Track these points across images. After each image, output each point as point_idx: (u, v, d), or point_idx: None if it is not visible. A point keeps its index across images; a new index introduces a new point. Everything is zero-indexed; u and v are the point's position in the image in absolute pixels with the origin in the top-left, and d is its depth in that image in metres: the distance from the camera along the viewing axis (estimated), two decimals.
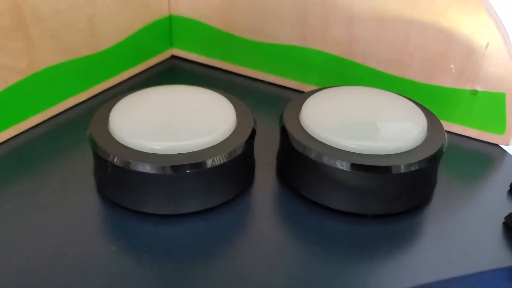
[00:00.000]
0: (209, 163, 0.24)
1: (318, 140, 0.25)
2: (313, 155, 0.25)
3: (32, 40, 0.30)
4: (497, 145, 0.31)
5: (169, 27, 0.40)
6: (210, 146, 0.25)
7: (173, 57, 0.41)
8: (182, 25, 0.39)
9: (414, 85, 0.32)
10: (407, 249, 0.24)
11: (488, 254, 0.24)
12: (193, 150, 0.24)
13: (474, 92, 0.30)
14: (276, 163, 0.29)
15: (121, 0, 0.35)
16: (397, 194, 0.25)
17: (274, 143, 0.28)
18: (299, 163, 0.26)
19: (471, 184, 0.28)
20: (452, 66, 0.30)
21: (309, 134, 0.26)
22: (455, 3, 0.29)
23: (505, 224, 0.25)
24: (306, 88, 0.36)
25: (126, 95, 0.28)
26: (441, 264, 0.23)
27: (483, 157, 0.31)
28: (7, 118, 0.30)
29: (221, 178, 0.25)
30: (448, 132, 0.32)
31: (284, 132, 0.27)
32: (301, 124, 0.26)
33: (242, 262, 0.23)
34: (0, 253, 0.23)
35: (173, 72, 0.40)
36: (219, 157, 0.24)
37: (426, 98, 0.32)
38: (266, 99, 0.36)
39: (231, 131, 0.26)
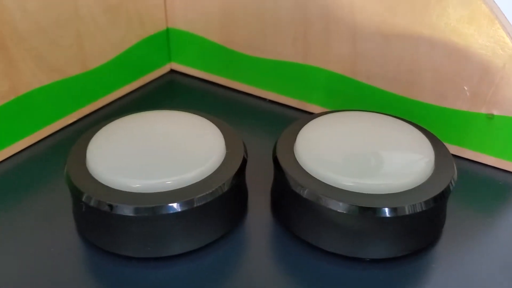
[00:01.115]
0: (194, 203, 0.22)
1: (312, 177, 0.23)
2: (306, 194, 0.22)
3: (13, 62, 0.28)
4: None
5: (167, 41, 0.38)
6: (195, 182, 0.23)
7: (172, 71, 0.39)
8: (181, 38, 0.37)
9: (424, 107, 0.29)
10: None
11: None
12: (176, 188, 0.22)
13: (490, 116, 0.28)
14: (270, 195, 0.27)
15: (111, 14, 0.33)
16: (399, 237, 0.23)
17: (272, 167, 0.26)
18: (292, 200, 0.24)
19: (484, 219, 0.26)
20: (465, 88, 0.28)
21: (303, 169, 0.23)
22: (468, 19, 0.26)
23: None
24: (308, 107, 0.34)
25: (106, 123, 0.26)
26: None
27: (499, 186, 0.28)
28: None
29: (207, 217, 0.23)
30: (461, 158, 0.29)
31: (277, 165, 0.24)
32: (295, 157, 0.24)
33: None
34: None
35: (171, 88, 0.38)
36: (204, 195, 0.22)
37: (437, 122, 0.29)
38: (267, 118, 0.34)
39: (219, 164, 0.24)
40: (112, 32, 0.33)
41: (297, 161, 0.24)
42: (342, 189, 0.22)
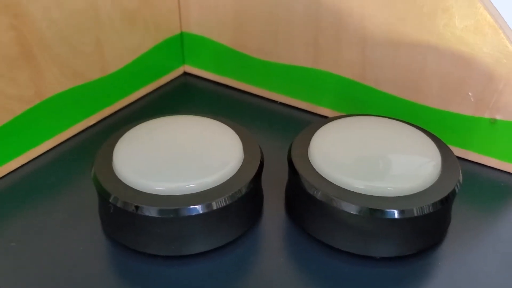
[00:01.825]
0: (214, 205, 0.23)
1: (325, 179, 0.24)
2: (319, 196, 0.24)
3: (39, 68, 0.30)
4: None
5: (181, 44, 0.39)
6: (215, 186, 0.24)
7: (186, 73, 0.40)
8: (194, 42, 0.39)
9: (430, 111, 0.31)
10: None
11: None
12: (198, 191, 0.24)
13: (493, 121, 0.29)
14: (284, 196, 0.28)
15: (129, 21, 0.34)
16: (407, 237, 0.24)
17: (285, 169, 0.27)
18: (306, 201, 0.25)
19: (488, 219, 0.27)
20: (470, 94, 0.29)
21: (316, 172, 0.25)
22: (473, 28, 0.27)
23: None
24: (319, 110, 0.35)
25: (129, 127, 0.27)
26: None
27: (502, 188, 0.29)
28: (15, 147, 0.30)
29: (226, 218, 0.24)
30: (465, 160, 0.31)
31: (291, 167, 0.26)
32: (309, 160, 0.26)
33: None
34: None
35: (185, 90, 0.39)
36: (224, 199, 0.24)
37: (443, 125, 0.30)
38: (278, 121, 0.35)
39: (237, 168, 0.25)
40: (129, 38, 0.35)
41: (311, 164, 0.25)
42: (354, 192, 0.24)
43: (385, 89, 0.32)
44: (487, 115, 0.29)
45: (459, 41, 0.28)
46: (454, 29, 0.28)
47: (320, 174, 0.25)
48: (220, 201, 0.23)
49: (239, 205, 0.24)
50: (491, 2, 0.27)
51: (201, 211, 0.23)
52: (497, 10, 0.27)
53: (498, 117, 0.29)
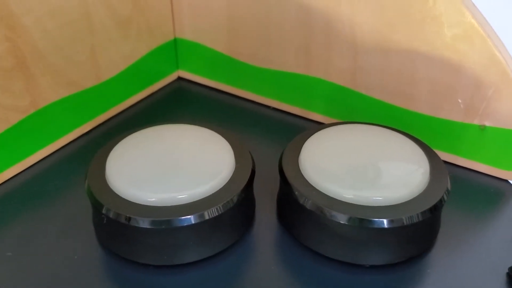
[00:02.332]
0: (206, 215, 0.24)
1: (316, 189, 0.25)
2: (309, 205, 0.24)
3: (33, 78, 0.30)
4: (506, 181, 0.30)
5: (174, 50, 0.39)
6: (207, 196, 0.24)
7: (180, 79, 0.41)
8: (188, 48, 0.39)
9: (420, 117, 0.31)
10: None
11: None
12: (189, 202, 0.24)
13: (482, 127, 0.29)
14: (276, 203, 0.28)
15: (123, 28, 0.34)
16: (397, 245, 0.24)
17: (277, 175, 0.27)
18: (297, 210, 0.25)
19: (477, 225, 0.28)
20: (460, 101, 0.29)
21: (307, 181, 0.25)
22: (462, 37, 0.28)
23: (508, 275, 0.24)
24: (310, 115, 0.35)
25: (122, 138, 0.27)
26: None
27: (491, 193, 0.30)
28: (10, 156, 0.30)
29: (219, 227, 0.25)
30: (455, 165, 0.31)
31: (282, 176, 0.26)
32: (299, 169, 0.26)
33: None
34: None
35: (180, 95, 0.39)
36: (216, 208, 0.24)
37: (433, 131, 0.31)
38: (271, 126, 0.36)
39: (229, 178, 0.25)
40: (123, 45, 0.35)
41: (301, 173, 0.26)
42: (343, 201, 0.24)
43: (376, 95, 0.32)
44: (476, 122, 0.29)
45: (448, 48, 0.28)
46: (444, 37, 0.28)
47: (310, 184, 0.25)
48: (212, 211, 0.24)
49: (231, 214, 0.25)
50: (479, 11, 0.27)
51: (193, 221, 0.24)
52: (485, 18, 0.27)
53: (487, 123, 0.29)
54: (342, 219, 0.24)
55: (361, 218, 0.23)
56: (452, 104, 0.30)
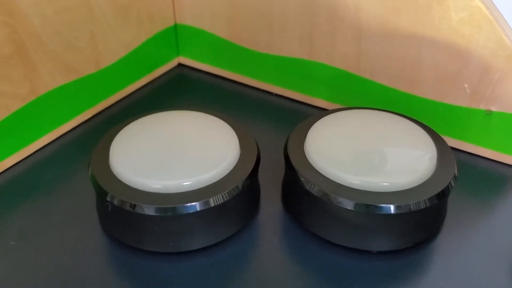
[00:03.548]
0: (210, 202, 0.23)
1: (322, 175, 0.25)
2: (315, 191, 0.24)
3: (32, 65, 0.29)
4: None
5: (175, 36, 0.39)
6: (212, 183, 0.24)
7: (180, 65, 0.40)
8: (188, 34, 0.38)
9: (425, 102, 0.31)
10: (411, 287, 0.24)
11: None
12: (194, 189, 0.24)
13: (489, 112, 0.29)
14: (281, 189, 0.28)
15: (122, 14, 0.34)
16: (404, 231, 0.24)
17: (281, 161, 0.27)
18: (303, 196, 0.25)
19: (482, 210, 0.27)
20: (466, 85, 0.29)
21: (313, 167, 0.25)
22: (468, 21, 0.27)
23: None
24: (314, 101, 0.35)
25: (125, 125, 0.27)
26: None
27: (497, 178, 0.29)
28: (11, 144, 0.30)
29: (223, 214, 0.24)
30: (461, 151, 0.31)
31: (288, 162, 0.26)
32: (305, 155, 0.26)
33: None
34: None
35: (180, 81, 0.39)
36: (221, 195, 0.24)
37: (438, 117, 0.30)
38: (274, 112, 0.35)
39: (234, 165, 0.25)
40: (123, 31, 0.34)
41: (307, 159, 0.25)
42: (350, 187, 0.24)
43: (380, 80, 0.32)
44: (482, 107, 0.29)
45: (454, 33, 0.28)
46: (450, 21, 0.28)
47: (316, 170, 0.25)
48: (217, 198, 0.24)
49: (237, 201, 0.24)
50: None
51: (198, 209, 0.23)
52: (492, 2, 0.27)
53: (493, 108, 0.29)
54: (349, 205, 0.23)
55: (368, 204, 0.23)
56: (458, 89, 0.29)
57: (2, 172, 0.30)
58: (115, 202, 0.23)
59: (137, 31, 0.36)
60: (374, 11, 0.30)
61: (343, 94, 0.33)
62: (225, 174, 0.25)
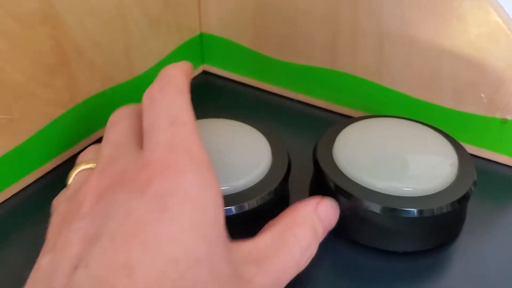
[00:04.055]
0: (244, 207, 0.25)
1: (349, 179, 0.26)
2: (344, 194, 0.26)
3: (73, 74, 0.31)
4: None
5: (200, 45, 0.41)
6: (246, 188, 0.26)
7: (204, 72, 0.42)
8: (213, 43, 0.40)
9: (443, 110, 0.32)
10: (433, 286, 0.25)
11: None
12: (229, 193, 0.25)
13: (504, 121, 0.31)
14: (309, 191, 0.30)
15: (154, 26, 0.36)
16: (427, 233, 0.26)
17: (306, 167, 0.29)
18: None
19: (500, 214, 0.29)
20: (483, 95, 0.31)
21: (341, 171, 0.27)
22: (487, 35, 0.29)
23: None
24: (337, 108, 0.37)
25: None
26: None
27: None
28: (51, 150, 0.32)
29: (255, 219, 0.26)
30: (478, 157, 0.32)
31: (317, 166, 0.27)
32: (333, 159, 0.27)
33: None
34: None
35: (204, 89, 0.41)
36: (253, 200, 0.25)
37: (456, 124, 0.32)
38: (297, 119, 0.37)
39: (268, 170, 0.27)
40: (154, 42, 0.36)
41: (335, 164, 0.27)
42: (377, 192, 0.25)
43: (401, 89, 0.33)
44: (498, 115, 0.31)
45: (472, 46, 0.30)
46: (468, 35, 0.29)
47: (344, 174, 0.26)
48: (250, 203, 0.25)
49: (268, 207, 0.26)
50: (504, 10, 0.29)
51: (233, 212, 0.25)
52: (509, 17, 0.29)
53: (508, 117, 0.30)
54: (376, 208, 0.25)
55: (393, 207, 0.25)
56: (475, 99, 0.31)
57: (43, 175, 0.32)
58: None
59: (166, 42, 0.37)
60: (395, 23, 0.31)
61: (365, 102, 0.35)
62: (258, 180, 0.26)
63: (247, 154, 0.27)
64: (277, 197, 0.26)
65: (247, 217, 0.25)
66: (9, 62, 0.27)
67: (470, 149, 0.32)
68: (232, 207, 0.25)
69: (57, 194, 0.30)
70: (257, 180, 0.26)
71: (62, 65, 0.30)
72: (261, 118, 0.37)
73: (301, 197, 0.29)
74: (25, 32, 0.28)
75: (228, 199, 0.25)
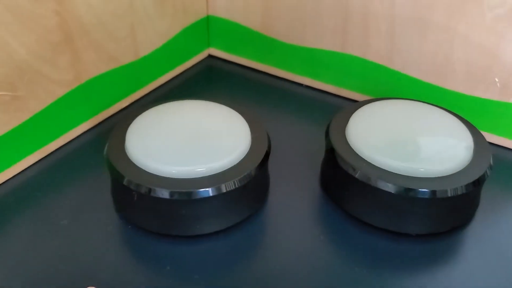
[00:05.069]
0: (222, 188, 0.24)
1: (363, 159, 0.26)
2: (358, 175, 0.25)
3: (77, 53, 0.30)
4: None
5: (206, 28, 0.40)
6: (224, 170, 0.25)
7: (210, 56, 0.41)
8: (220, 26, 0.39)
9: (456, 96, 0.32)
10: (447, 269, 0.25)
11: None
12: (207, 175, 0.25)
13: None
14: (320, 171, 0.29)
15: (160, 6, 0.35)
16: (441, 216, 0.25)
17: (317, 149, 0.28)
18: (343, 180, 0.26)
19: None
20: (496, 80, 0.30)
21: (354, 152, 0.26)
22: (503, 17, 0.28)
23: None
24: (344, 93, 0.36)
25: (142, 111, 0.28)
26: (479, 283, 0.24)
27: None
28: (56, 129, 0.31)
29: (234, 200, 0.25)
30: (490, 143, 0.32)
31: (329, 146, 0.27)
32: (347, 140, 0.27)
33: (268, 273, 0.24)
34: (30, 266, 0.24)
35: (210, 72, 0.40)
36: (231, 182, 0.24)
37: (468, 109, 0.32)
38: (304, 103, 0.36)
39: (246, 152, 0.26)
40: (160, 23, 0.35)
41: (349, 145, 0.26)
42: (391, 172, 0.25)
43: (412, 73, 0.33)
44: None
45: (487, 29, 0.29)
46: (484, 17, 0.29)
47: (358, 155, 0.26)
48: (228, 185, 0.24)
49: (246, 189, 0.25)
50: None
51: (211, 194, 0.24)
52: None
53: None
54: (391, 189, 0.24)
55: (408, 188, 0.24)
56: (488, 83, 0.30)
57: (47, 155, 0.31)
58: (131, 186, 0.24)
59: (172, 23, 0.37)
60: (407, 6, 0.31)
61: (375, 86, 0.34)
62: (239, 160, 0.25)
63: (227, 137, 0.26)
64: (255, 180, 0.26)
65: (224, 199, 0.25)
66: (14, 36, 0.27)
67: (483, 135, 0.32)
68: (209, 189, 0.24)
69: (59, 175, 0.29)
70: (235, 162, 0.25)
71: (66, 43, 0.30)
72: (267, 103, 0.36)
73: (313, 180, 0.29)
74: (30, 5, 0.27)
75: (206, 180, 0.24)
